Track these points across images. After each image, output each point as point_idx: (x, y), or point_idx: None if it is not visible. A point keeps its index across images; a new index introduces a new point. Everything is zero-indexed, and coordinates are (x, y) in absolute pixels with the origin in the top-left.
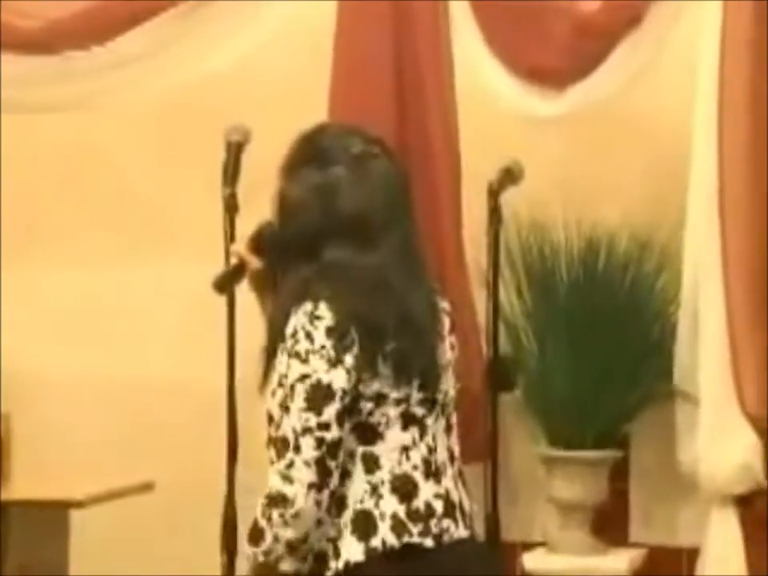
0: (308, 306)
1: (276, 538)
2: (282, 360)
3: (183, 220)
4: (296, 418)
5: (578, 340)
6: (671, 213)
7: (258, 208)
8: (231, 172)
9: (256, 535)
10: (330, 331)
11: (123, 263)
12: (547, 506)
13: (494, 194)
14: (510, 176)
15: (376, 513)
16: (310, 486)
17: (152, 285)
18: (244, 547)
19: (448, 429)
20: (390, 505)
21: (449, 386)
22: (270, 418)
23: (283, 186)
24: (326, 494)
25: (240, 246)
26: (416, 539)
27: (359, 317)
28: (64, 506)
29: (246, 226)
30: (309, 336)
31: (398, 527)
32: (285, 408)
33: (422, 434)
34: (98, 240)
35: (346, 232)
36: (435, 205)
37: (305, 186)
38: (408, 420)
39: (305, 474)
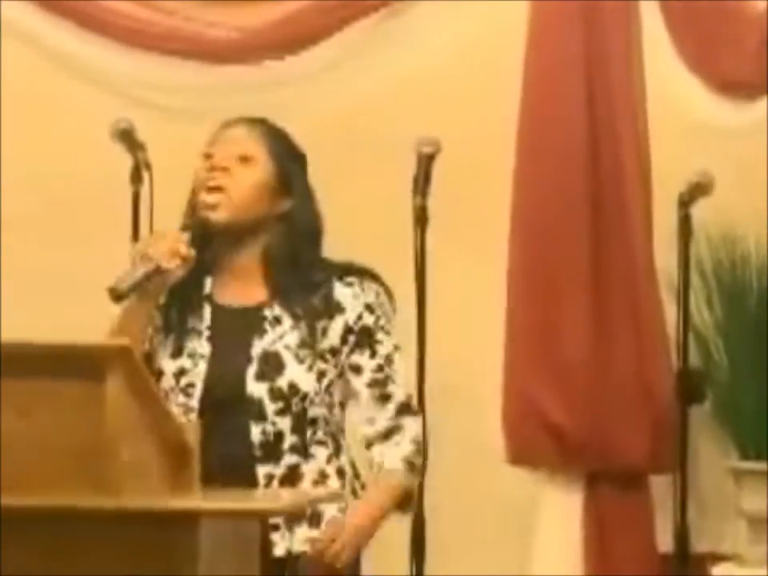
0: (380, 285)
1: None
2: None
3: (373, 230)
4: (403, 381)
5: None
6: None
7: (448, 219)
8: (422, 184)
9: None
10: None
11: None
12: (737, 519)
13: (684, 205)
14: (700, 187)
15: None
16: None
17: None
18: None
19: None
20: None
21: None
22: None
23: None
24: None
25: (164, 244)
26: None
27: None
28: (255, 515)
29: (435, 238)
30: (388, 311)
31: None
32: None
33: None
34: None
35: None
36: (625, 216)
37: None
38: None
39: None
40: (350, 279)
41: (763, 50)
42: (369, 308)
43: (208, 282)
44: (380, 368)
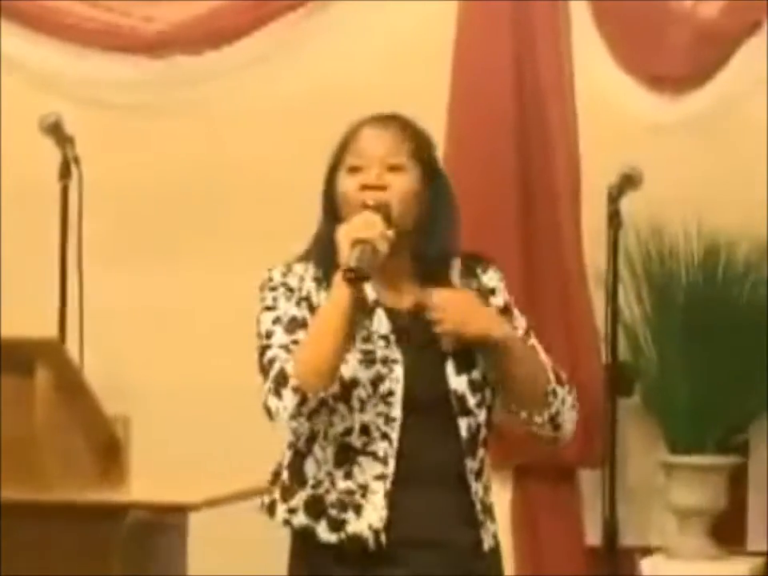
0: None
1: None
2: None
3: (294, 228)
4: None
5: (697, 345)
6: None
7: None
8: None
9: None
10: None
11: (245, 269)
12: (666, 512)
13: (613, 199)
14: (629, 181)
15: None
16: None
17: None
18: None
19: None
20: None
21: None
22: None
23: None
24: None
25: (373, 227)
26: None
27: None
28: (182, 509)
29: None
30: None
31: None
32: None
33: None
34: (217, 243)
35: None
36: (555, 210)
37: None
38: None
39: None
40: (484, 264)
41: (691, 46)
42: (507, 289)
43: (368, 287)
44: (526, 336)
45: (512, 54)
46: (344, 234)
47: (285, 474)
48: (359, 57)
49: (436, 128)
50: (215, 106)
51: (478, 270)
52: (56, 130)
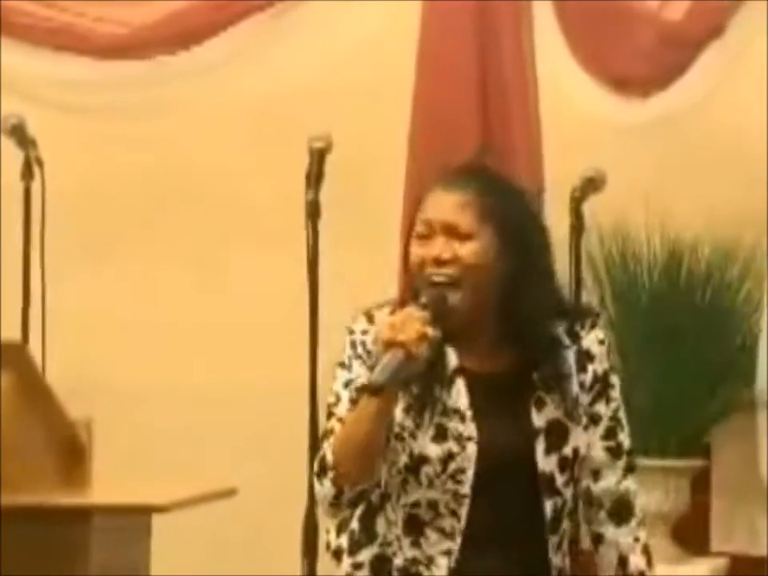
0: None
1: None
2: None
3: (266, 225)
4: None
5: (660, 348)
6: (755, 221)
7: (340, 214)
8: (314, 178)
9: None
10: None
11: (203, 269)
12: None
13: (576, 201)
14: (592, 184)
15: None
16: None
17: (234, 290)
18: None
19: None
20: None
21: None
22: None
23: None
24: None
25: (410, 327)
26: None
27: None
28: (146, 510)
29: (328, 231)
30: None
31: None
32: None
33: None
34: (180, 245)
35: None
36: None
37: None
38: None
39: None
40: (588, 322)
41: (655, 48)
42: (608, 351)
43: (451, 353)
44: (614, 414)
45: (475, 55)
46: (382, 333)
47: (355, 525)
48: (326, 57)
49: (400, 129)
50: (180, 106)
51: (582, 332)
52: (18, 132)
